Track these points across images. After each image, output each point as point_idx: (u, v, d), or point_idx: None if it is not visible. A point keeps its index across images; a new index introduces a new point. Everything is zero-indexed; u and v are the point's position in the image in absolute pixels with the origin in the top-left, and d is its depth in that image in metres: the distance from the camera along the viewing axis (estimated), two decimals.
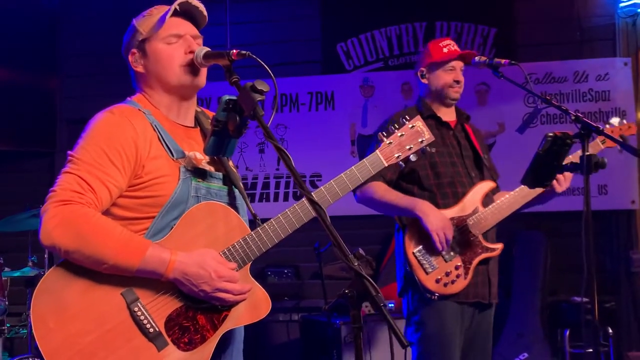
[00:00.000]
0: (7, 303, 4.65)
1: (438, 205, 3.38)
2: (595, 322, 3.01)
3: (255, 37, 6.34)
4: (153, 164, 2.12)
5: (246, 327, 2.26)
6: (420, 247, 3.34)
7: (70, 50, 6.62)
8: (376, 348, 4.87)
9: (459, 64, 3.56)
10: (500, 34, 6.16)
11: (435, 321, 3.34)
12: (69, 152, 2.12)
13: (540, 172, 3.04)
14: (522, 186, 3.37)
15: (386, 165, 2.35)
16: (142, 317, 2.04)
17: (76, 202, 2.01)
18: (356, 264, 1.73)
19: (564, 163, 2.97)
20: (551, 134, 2.94)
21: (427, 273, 3.31)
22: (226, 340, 2.22)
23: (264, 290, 2.20)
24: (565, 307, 5.54)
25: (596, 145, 3.41)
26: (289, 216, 2.18)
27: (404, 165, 2.41)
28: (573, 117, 3.09)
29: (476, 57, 3.43)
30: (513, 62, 3.27)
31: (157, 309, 2.06)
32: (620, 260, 5.89)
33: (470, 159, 3.55)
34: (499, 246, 3.43)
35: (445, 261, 3.33)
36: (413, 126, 2.39)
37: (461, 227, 3.37)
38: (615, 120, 3.52)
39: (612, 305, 5.66)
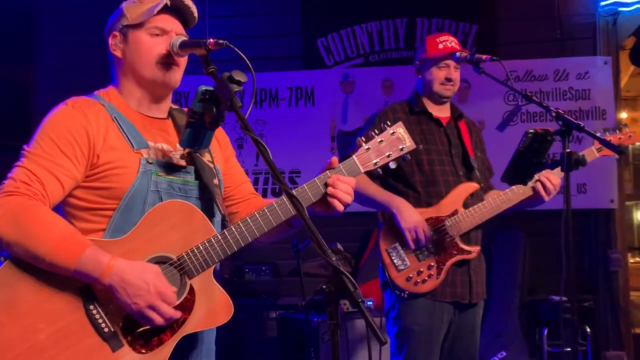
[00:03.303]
0: None
1: (421, 204, 3.36)
2: (574, 321, 3.01)
3: (235, 31, 6.27)
4: (110, 154, 2.08)
5: (222, 325, 2.20)
6: (395, 244, 3.33)
7: (46, 42, 6.50)
8: (354, 345, 4.85)
9: (453, 62, 3.49)
10: (481, 31, 6.15)
11: (410, 317, 3.35)
12: (24, 146, 2.09)
13: (520, 168, 3.04)
14: (511, 189, 3.34)
15: (362, 171, 2.26)
16: (97, 317, 1.98)
17: (22, 194, 1.98)
18: (334, 259, 1.69)
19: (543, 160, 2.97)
20: (532, 131, 2.94)
21: (398, 271, 3.32)
22: (193, 341, 2.17)
23: (227, 295, 2.11)
24: (543, 306, 5.55)
25: (591, 153, 3.36)
26: (257, 218, 2.12)
27: (381, 173, 2.33)
28: (554, 114, 3.08)
29: (457, 53, 3.40)
30: (494, 57, 3.24)
31: (115, 309, 1.99)
32: (599, 260, 5.90)
33: (459, 158, 3.49)
34: (475, 249, 3.39)
35: (418, 260, 3.33)
36: (394, 132, 2.27)
37: (438, 227, 3.34)
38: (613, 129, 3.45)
39: (590, 305, 5.68)
